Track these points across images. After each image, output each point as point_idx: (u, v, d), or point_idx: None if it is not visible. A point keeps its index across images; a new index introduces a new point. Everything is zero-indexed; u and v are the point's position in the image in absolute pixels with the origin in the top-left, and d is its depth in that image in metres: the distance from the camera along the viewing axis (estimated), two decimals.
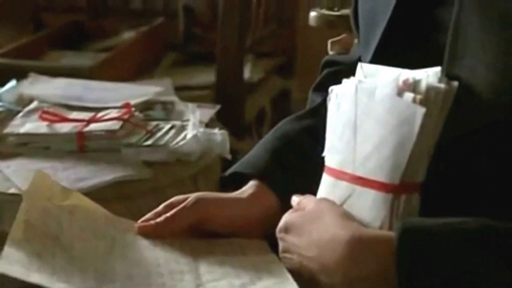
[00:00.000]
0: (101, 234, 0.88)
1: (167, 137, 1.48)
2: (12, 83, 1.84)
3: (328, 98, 0.94)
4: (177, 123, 1.57)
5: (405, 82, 0.84)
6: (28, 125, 1.55)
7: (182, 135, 1.49)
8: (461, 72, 0.83)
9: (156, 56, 2.72)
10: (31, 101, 1.75)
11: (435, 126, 0.82)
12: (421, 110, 0.81)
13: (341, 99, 0.91)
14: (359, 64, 0.92)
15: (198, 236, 0.95)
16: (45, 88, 1.87)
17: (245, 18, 2.05)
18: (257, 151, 1.07)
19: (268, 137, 1.09)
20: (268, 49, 2.66)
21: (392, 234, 0.77)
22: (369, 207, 0.83)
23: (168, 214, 0.94)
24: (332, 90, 0.93)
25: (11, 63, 2.30)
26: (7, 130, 1.54)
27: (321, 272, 0.80)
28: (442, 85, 0.83)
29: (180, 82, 2.36)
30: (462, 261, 0.75)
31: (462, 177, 0.81)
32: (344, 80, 0.92)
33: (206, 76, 2.50)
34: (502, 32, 0.81)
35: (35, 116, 1.58)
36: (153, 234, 0.92)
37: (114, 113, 1.55)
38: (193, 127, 1.48)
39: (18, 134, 1.51)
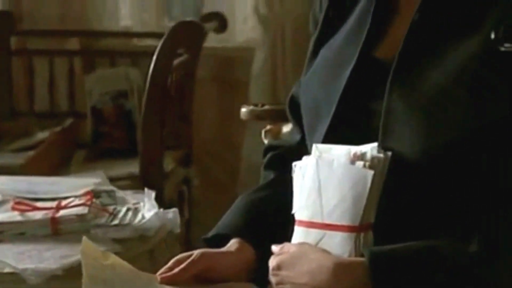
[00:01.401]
0: (138, 283, 1.15)
1: (128, 217, 1.76)
2: None
3: (292, 171, 1.26)
4: (130, 206, 1.85)
5: (355, 154, 1.18)
6: (1, 215, 1.78)
7: (139, 215, 1.78)
8: (392, 145, 1.18)
9: (68, 153, 2.98)
10: None
11: (379, 183, 1.16)
12: (370, 173, 1.15)
13: (304, 170, 1.24)
14: (314, 145, 1.25)
15: (201, 283, 1.24)
16: None
17: (163, 117, 2.36)
18: (229, 217, 1.38)
19: (235, 207, 1.40)
20: (172, 143, 2.98)
21: (362, 259, 1.10)
22: (338, 244, 1.15)
23: (181, 266, 1.23)
24: (295, 164, 1.26)
25: None
26: None
27: None
28: (381, 155, 1.17)
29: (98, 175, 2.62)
30: (414, 270, 1.09)
31: (400, 217, 1.15)
32: (304, 157, 1.25)
33: (121, 169, 2.79)
34: (420, 117, 1.16)
35: (5, 207, 1.82)
36: (172, 282, 1.21)
37: (77, 201, 1.81)
38: (151, 207, 1.77)
39: None
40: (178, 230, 1.79)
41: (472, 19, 1.19)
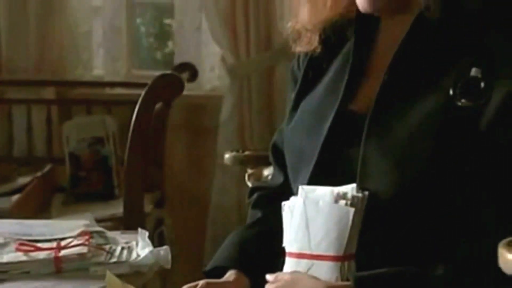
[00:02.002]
0: None
1: (124, 255, 1.93)
2: None
3: (282, 209, 1.45)
4: (123, 245, 2.02)
5: (338, 194, 1.38)
6: (6, 256, 1.94)
7: (134, 253, 1.95)
8: (368, 186, 1.38)
9: (47, 197, 3.14)
10: None
11: (359, 218, 1.36)
12: (351, 210, 1.35)
13: (293, 209, 1.43)
14: (300, 186, 1.45)
15: None
16: None
17: (144, 161, 2.55)
18: (224, 251, 1.57)
19: (229, 242, 1.58)
20: (147, 186, 3.15)
21: (349, 283, 1.30)
22: (325, 272, 1.35)
23: None
24: (284, 204, 1.45)
25: None
26: None
27: None
28: (360, 194, 1.37)
29: (80, 217, 2.79)
30: None
31: (378, 247, 1.35)
32: (292, 197, 1.45)
33: (100, 211, 2.96)
34: (391, 163, 1.37)
35: (9, 248, 1.98)
36: None
37: (76, 241, 1.98)
38: (146, 245, 1.94)
39: (1, 264, 1.91)
40: (169, 266, 1.96)
41: (433, 78, 1.40)
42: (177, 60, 3.57)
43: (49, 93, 3.49)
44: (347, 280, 1.32)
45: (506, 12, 1.39)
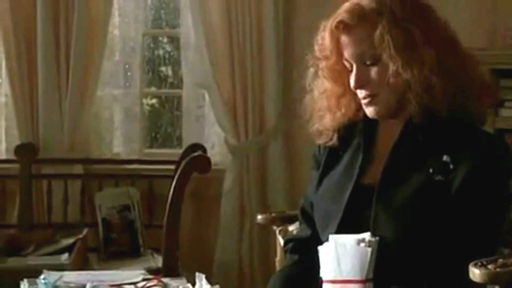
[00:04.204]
0: None
1: None
2: (44, 279, 2.84)
3: (318, 251, 2.15)
4: (183, 286, 2.69)
5: (359, 239, 2.08)
6: None
7: None
8: (379, 233, 2.08)
9: (85, 255, 3.80)
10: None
11: (374, 255, 2.06)
12: (369, 249, 2.05)
13: (327, 250, 2.13)
14: (330, 235, 2.14)
15: None
16: (69, 277, 2.91)
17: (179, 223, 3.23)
18: (273, 285, 2.24)
19: (276, 278, 2.26)
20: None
21: None
22: None
23: None
24: (320, 248, 2.15)
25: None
26: None
27: None
28: (374, 239, 2.08)
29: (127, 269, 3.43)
30: None
31: (387, 273, 2.05)
32: (326, 243, 2.14)
33: (133, 266, 3.61)
34: (393, 219, 2.08)
35: None
36: None
37: (149, 283, 2.65)
38: (204, 285, 2.61)
39: None
40: None
41: (419, 162, 2.12)
42: (185, 141, 4.29)
43: (77, 168, 4.16)
44: None
45: (464, 120, 2.14)
